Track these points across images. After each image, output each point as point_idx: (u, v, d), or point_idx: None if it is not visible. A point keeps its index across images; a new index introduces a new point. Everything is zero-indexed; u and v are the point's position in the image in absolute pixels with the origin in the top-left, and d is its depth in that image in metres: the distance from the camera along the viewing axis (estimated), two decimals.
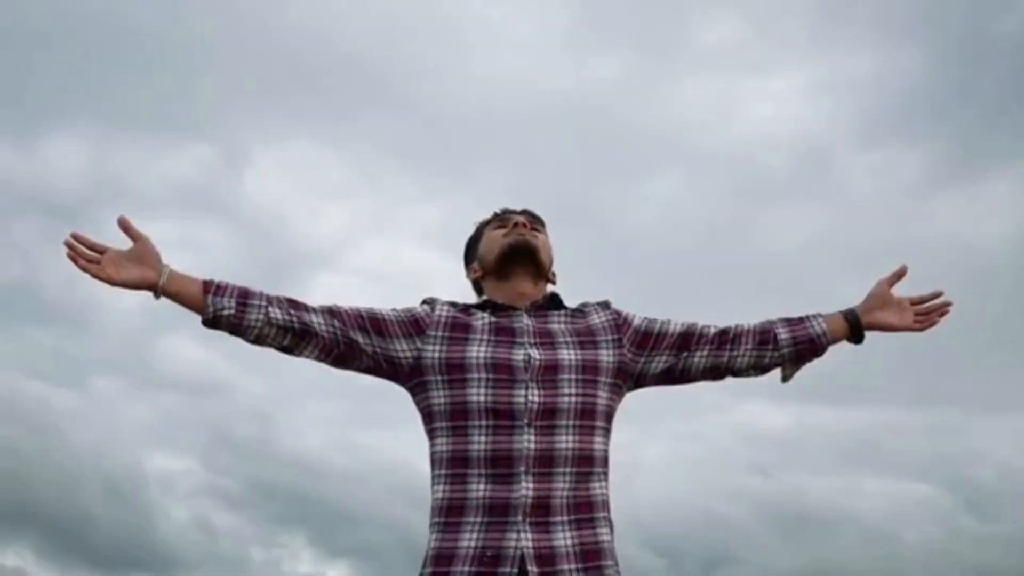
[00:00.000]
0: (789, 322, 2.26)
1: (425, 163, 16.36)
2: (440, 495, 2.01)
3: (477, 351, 2.06)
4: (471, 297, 2.32)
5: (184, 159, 15.96)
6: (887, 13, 14.48)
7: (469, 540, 1.95)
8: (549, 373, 2.04)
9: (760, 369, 2.26)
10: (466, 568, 1.93)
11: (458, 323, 2.12)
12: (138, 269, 2.02)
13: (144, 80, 15.16)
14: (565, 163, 16.03)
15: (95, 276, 1.99)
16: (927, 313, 2.30)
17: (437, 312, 2.14)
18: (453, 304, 2.20)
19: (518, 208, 2.35)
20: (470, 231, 2.40)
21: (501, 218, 2.32)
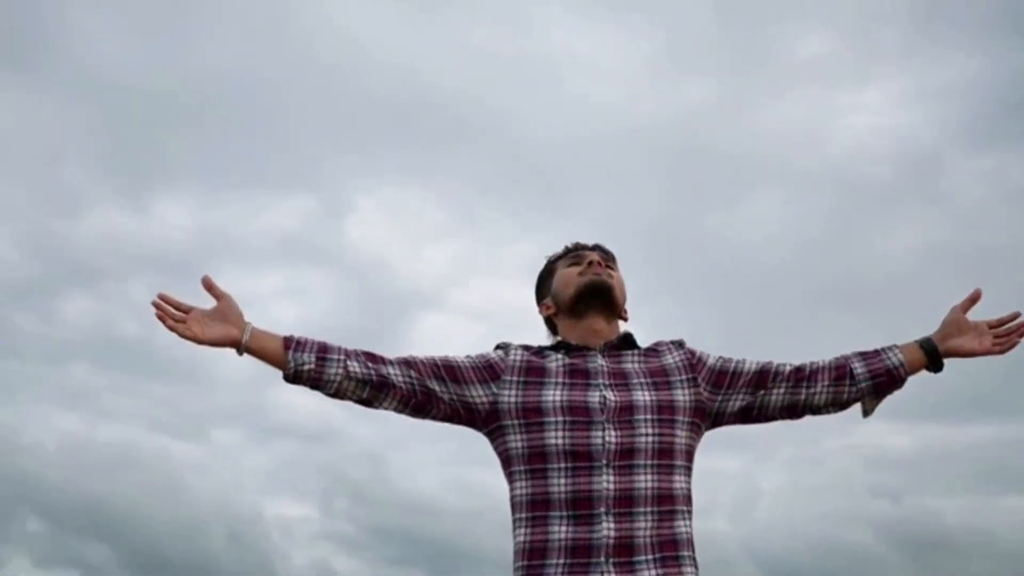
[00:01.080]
0: (864, 356, 2.25)
1: (522, 199, 16.49)
2: (522, 538, 2.05)
3: (553, 394, 2.10)
4: None
5: (287, 210, 16.47)
6: (986, 12, 14.08)
7: None
8: (625, 414, 2.07)
9: (839, 405, 2.25)
10: None
11: (533, 367, 2.16)
12: (222, 327, 2.11)
13: (242, 135, 15.76)
14: (662, 190, 15.98)
15: (182, 335, 2.09)
16: (1007, 335, 2.25)
17: (512, 357, 2.19)
18: (527, 347, 2.24)
19: (590, 243, 2.39)
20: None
21: (575, 255, 2.35)
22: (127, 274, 15.65)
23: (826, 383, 2.22)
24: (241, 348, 2.11)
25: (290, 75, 15.73)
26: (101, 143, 15.76)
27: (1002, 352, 2.25)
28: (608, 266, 2.33)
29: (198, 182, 16.24)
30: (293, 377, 2.13)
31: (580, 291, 2.26)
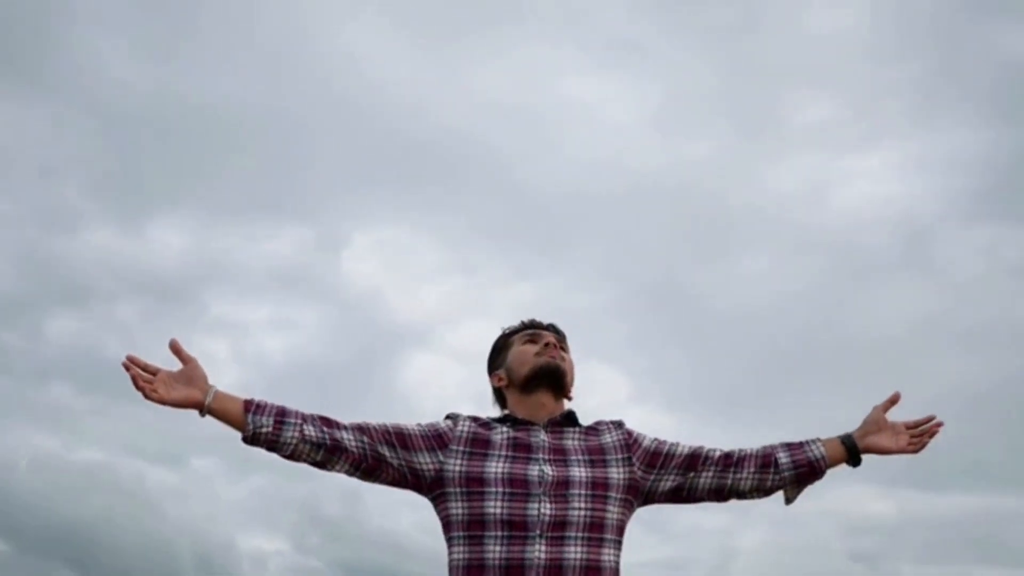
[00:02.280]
0: (790, 446, 2.42)
1: (518, 244, 16.72)
2: None
3: (496, 466, 2.26)
4: None
5: (282, 241, 16.67)
6: (987, 89, 14.38)
7: None
8: (561, 488, 2.23)
9: (763, 491, 2.42)
10: None
11: (479, 439, 2.33)
12: (186, 390, 2.25)
13: (242, 164, 16.00)
14: (658, 243, 16.20)
15: (147, 396, 2.23)
16: (920, 436, 2.44)
17: (459, 428, 2.36)
18: (475, 419, 2.41)
19: (544, 322, 2.57)
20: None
21: (532, 333, 2.53)
22: (117, 295, 15.81)
23: (752, 470, 2.39)
24: (204, 410, 2.27)
25: (295, 106, 16.01)
26: (100, 162, 15.98)
27: (915, 452, 2.44)
28: (561, 347, 2.51)
29: (195, 207, 16.46)
30: (251, 439, 2.29)
31: (535, 371, 2.43)
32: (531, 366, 2.45)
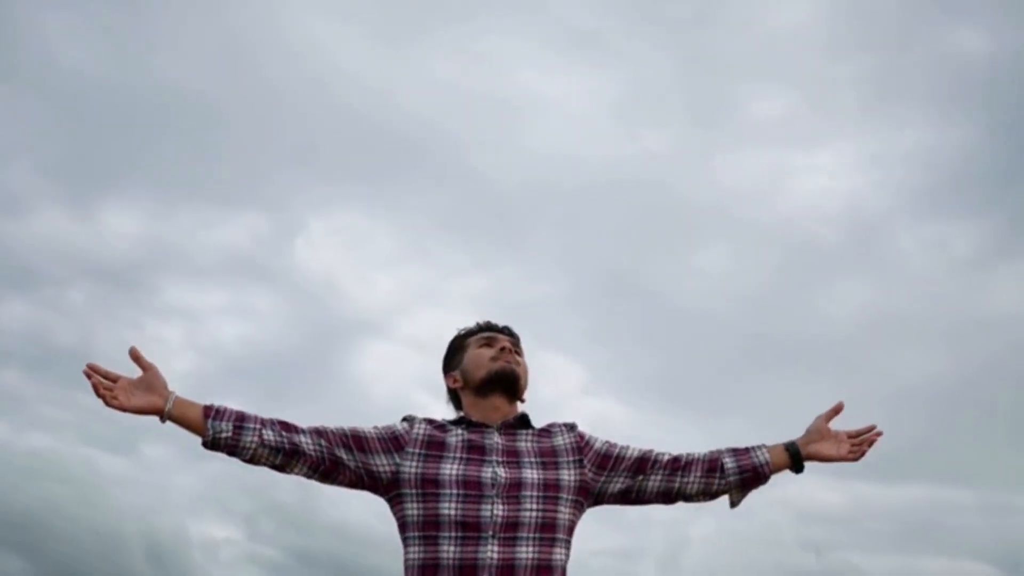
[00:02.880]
0: (736, 452, 2.53)
1: (476, 234, 16.76)
2: None
3: (450, 468, 2.34)
4: None
5: (236, 227, 16.58)
6: (940, 87, 14.67)
7: None
8: (513, 490, 2.31)
9: (709, 495, 2.53)
10: None
11: (434, 441, 2.41)
12: (146, 396, 2.31)
13: (197, 148, 15.87)
14: (614, 235, 16.33)
15: (108, 404, 2.28)
16: (860, 444, 2.56)
17: (415, 430, 2.43)
18: (431, 421, 2.48)
19: (500, 324, 2.64)
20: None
21: (487, 336, 2.60)
22: (67, 281, 15.64)
23: (698, 474, 2.49)
24: (164, 416, 2.32)
25: (250, 92, 15.90)
26: (50, 146, 15.79)
27: (855, 459, 2.56)
28: (516, 351, 2.59)
29: (147, 192, 16.31)
30: (211, 444, 2.35)
31: (491, 376, 2.51)
32: (487, 371, 2.52)
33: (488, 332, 2.63)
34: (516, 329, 2.66)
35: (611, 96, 16.04)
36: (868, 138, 15.67)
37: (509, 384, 2.52)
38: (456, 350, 2.65)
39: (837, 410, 2.57)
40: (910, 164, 15.21)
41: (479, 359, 2.56)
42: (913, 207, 15.41)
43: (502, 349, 2.55)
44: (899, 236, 15.41)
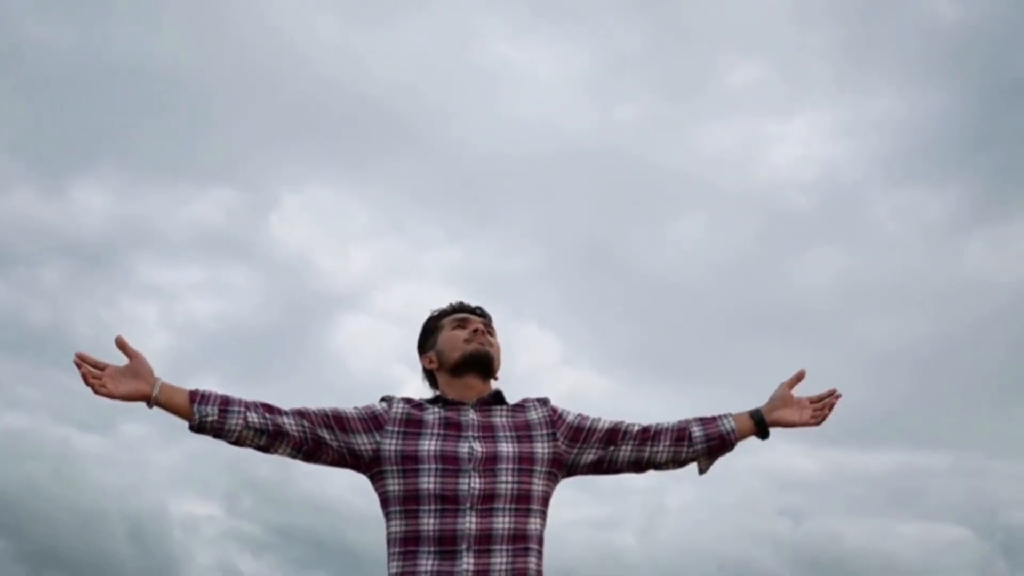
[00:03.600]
0: (703, 421, 2.65)
1: (449, 206, 16.82)
2: (395, 570, 2.40)
3: (428, 444, 2.46)
4: None
5: (209, 203, 16.55)
6: (912, 54, 14.81)
7: None
8: (489, 463, 2.43)
9: (678, 463, 2.65)
10: None
11: (412, 419, 2.52)
12: (134, 383, 2.40)
13: (168, 124, 15.81)
14: (589, 205, 16.45)
15: (96, 391, 2.37)
16: (822, 408, 2.69)
17: (394, 409, 2.55)
18: (409, 400, 2.60)
19: (472, 304, 2.76)
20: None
21: (460, 318, 2.72)
22: (40, 260, 15.57)
23: (667, 443, 2.62)
24: (151, 402, 2.42)
25: (219, 66, 15.84)
26: (18, 122, 15.66)
27: (817, 424, 2.69)
28: (489, 331, 2.70)
29: (119, 169, 16.23)
30: (198, 428, 2.46)
31: (465, 357, 2.63)
32: (461, 352, 2.64)
33: (461, 313, 2.74)
34: (493, 301, 2.77)
35: (585, 66, 16.10)
36: (842, 106, 15.81)
37: (483, 364, 2.63)
38: (430, 331, 2.76)
39: (799, 377, 2.69)
40: (884, 131, 15.38)
41: (453, 341, 2.67)
42: (887, 174, 15.60)
43: (475, 331, 2.66)
44: (874, 203, 15.60)
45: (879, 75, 15.26)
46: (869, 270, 15.22)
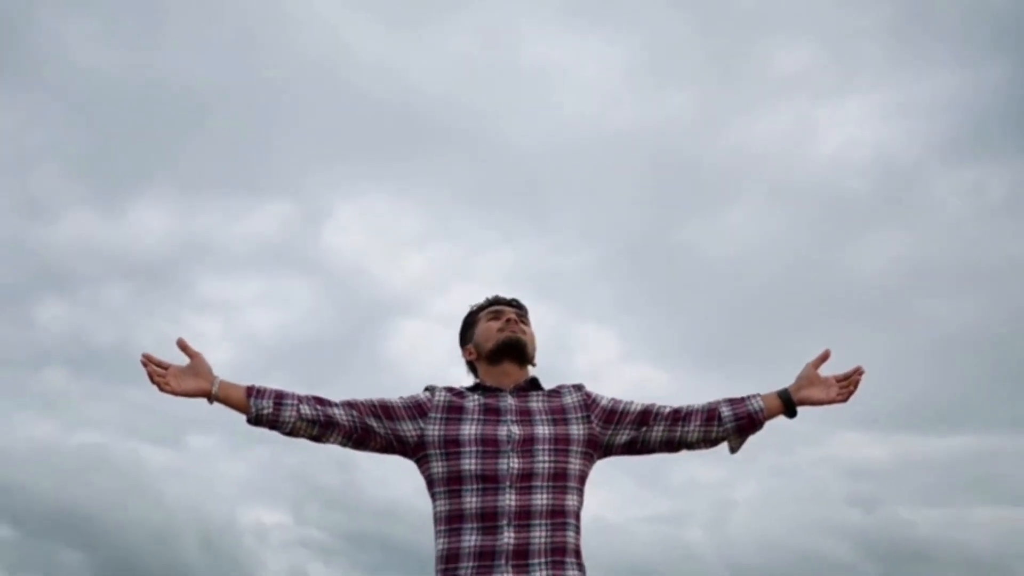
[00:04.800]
0: (732, 401, 2.81)
1: (501, 207, 17.03)
2: (441, 546, 2.60)
3: (469, 429, 2.66)
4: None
5: (264, 216, 16.97)
6: (965, 28, 14.66)
7: None
8: (527, 444, 2.62)
9: (709, 442, 2.81)
10: None
11: (453, 406, 2.73)
12: (195, 381, 2.64)
13: (220, 142, 16.25)
14: (641, 200, 16.53)
15: (162, 389, 2.62)
16: (848, 385, 2.82)
17: (437, 397, 2.75)
18: (451, 389, 2.80)
19: (507, 297, 2.96)
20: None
21: (495, 310, 2.93)
22: (102, 280, 16.11)
23: (698, 423, 2.78)
24: (211, 398, 2.66)
25: (267, 80, 16.22)
26: (77, 147, 16.22)
27: (844, 400, 2.82)
28: (522, 321, 2.90)
29: (175, 187, 16.71)
30: (255, 420, 2.68)
31: (498, 345, 2.84)
32: (495, 341, 2.85)
33: (496, 306, 2.95)
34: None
35: (630, 59, 16.21)
36: (894, 86, 15.71)
37: (516, 351, 2.83)
38: (469, 325, 2.98)
39: (824, 357, 2.83)
40: (939, 109, 15.25)
41: (488, 332, 2.88)
42: (944, 153, 15.47)
43: (508, 320, 2.87)
44: (932, 184, 15.47)
45: (931, 52, 15.14)
46: (929, 252, 15.11)
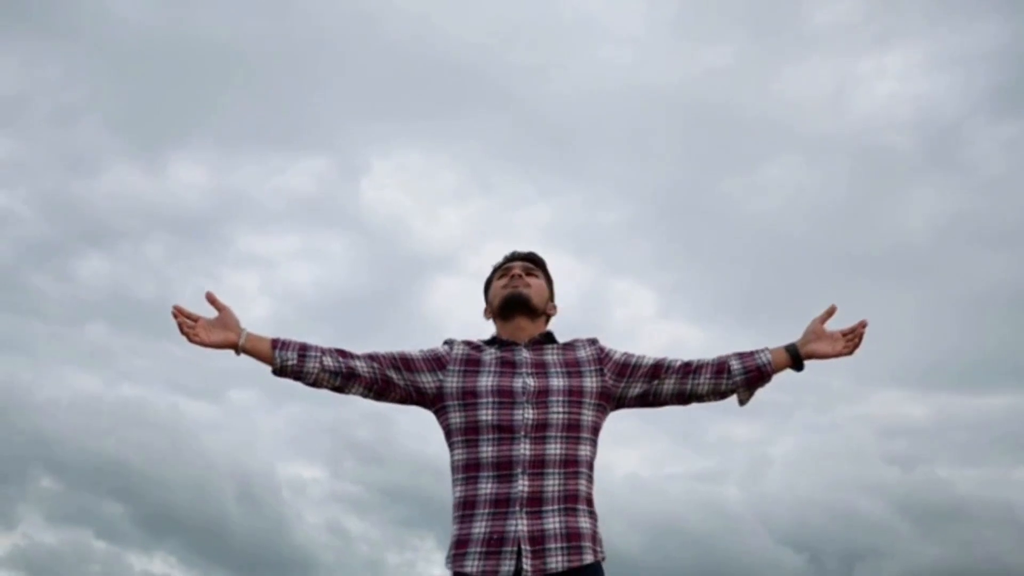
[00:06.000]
0: (741, 355, 2.91)
1: (537, 162, 17.09)
2: (459, 494, 2.74)
3: (486, 380, 2.78)
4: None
5: (301, 172, 17.17)
6: None
7: (480, 528, 2.66)
8: (542, 396, 2.74)
9: (719, 395, 2.92)
10: (478, 549, 2.65)
11: (471, 359, 2.85)
12: (223, 333, 2.79)
13: (258, 97, 16.39)
14: (679, 155, 16.52)
15: (191, 340, 2.76)
16: (853, 339, 2.92)
17: (455, 351, 2.88)
18: (468, 343, 2.93)
19: (522, 251, 3.07)
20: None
21: (504, 268, 3.05)
22: (143, 234, 16.41)
23: (708, 376, 2.89)
24: (238, 349, 2.80)
25: (307, 38, 16.33)
26: (117, 102, 16.46)
27: (849, 353, 2.92)
28: (531, 274, 3.01)
29: (213, 143, 16.95)
30: (280, 371, 2.83)
31: (503, 302, 2.97)
32: (500, 298, 2.98)
33: (506, 263, 3.07)
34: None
35: (668, 14, 16.11)
36: (937, 39, 15.52)
37: (520, 305, 2.95)
38: (488, 286, 3.11)
39: (830, 312, 2.93)
40: (984, 62, 15.05)
41: (496, 290, 3.02)
42: (989, 106, 15.29)
43: (512, 276, 2.98)
44: (976, 138, 15.31)
45: (973, 3, 14.89)
46: (973, 207, 14.99)
